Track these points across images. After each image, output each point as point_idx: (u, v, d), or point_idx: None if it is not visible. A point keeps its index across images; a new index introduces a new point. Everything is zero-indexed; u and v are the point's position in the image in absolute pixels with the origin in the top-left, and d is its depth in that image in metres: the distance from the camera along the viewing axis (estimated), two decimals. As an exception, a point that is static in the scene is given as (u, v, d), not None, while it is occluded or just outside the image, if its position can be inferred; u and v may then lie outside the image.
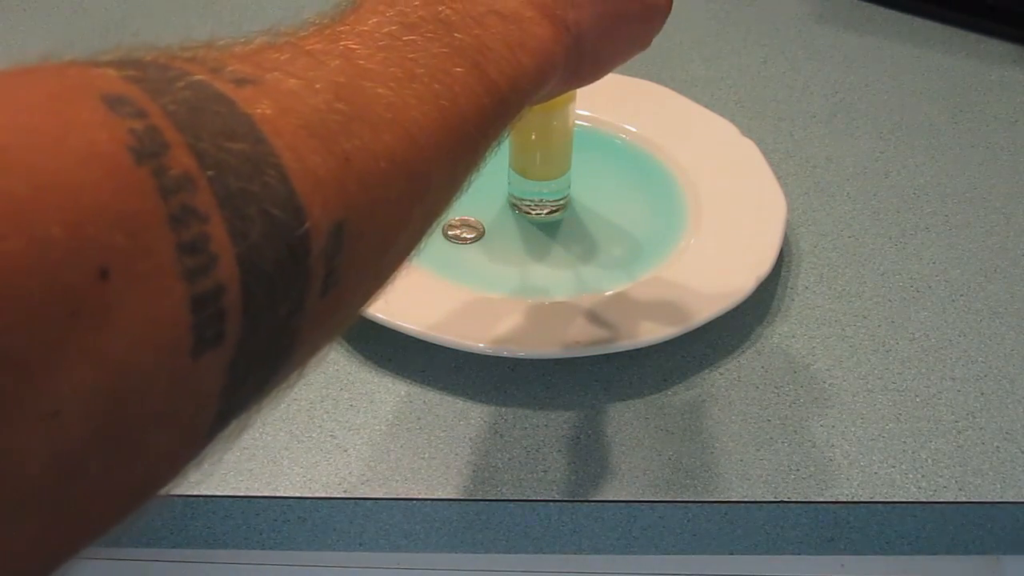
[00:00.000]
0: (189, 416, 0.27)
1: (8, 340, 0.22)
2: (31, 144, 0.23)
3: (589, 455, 0.58)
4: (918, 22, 0.90)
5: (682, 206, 0.70)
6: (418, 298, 0.63)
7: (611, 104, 0.76)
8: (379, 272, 0.35)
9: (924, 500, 0.57)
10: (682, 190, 0.71)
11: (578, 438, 0.59)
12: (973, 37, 0.88)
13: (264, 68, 0.30)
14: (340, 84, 0.32)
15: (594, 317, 0.63)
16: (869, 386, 0.62)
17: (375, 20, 0.36)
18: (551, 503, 0.56)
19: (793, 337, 0.64)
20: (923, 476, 0.58)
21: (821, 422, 0.60)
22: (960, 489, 0.57)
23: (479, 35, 0.38)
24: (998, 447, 0.59)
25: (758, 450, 0.58)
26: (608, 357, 0.63)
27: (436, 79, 0.35)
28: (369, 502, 0.56)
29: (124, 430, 0.25)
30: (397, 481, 0.57)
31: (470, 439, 0.59)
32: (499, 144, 0.41)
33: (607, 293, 0.64)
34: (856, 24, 0.89)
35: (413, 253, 0.37)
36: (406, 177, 0.33)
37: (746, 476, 0.57)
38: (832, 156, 0.77)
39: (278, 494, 0.56)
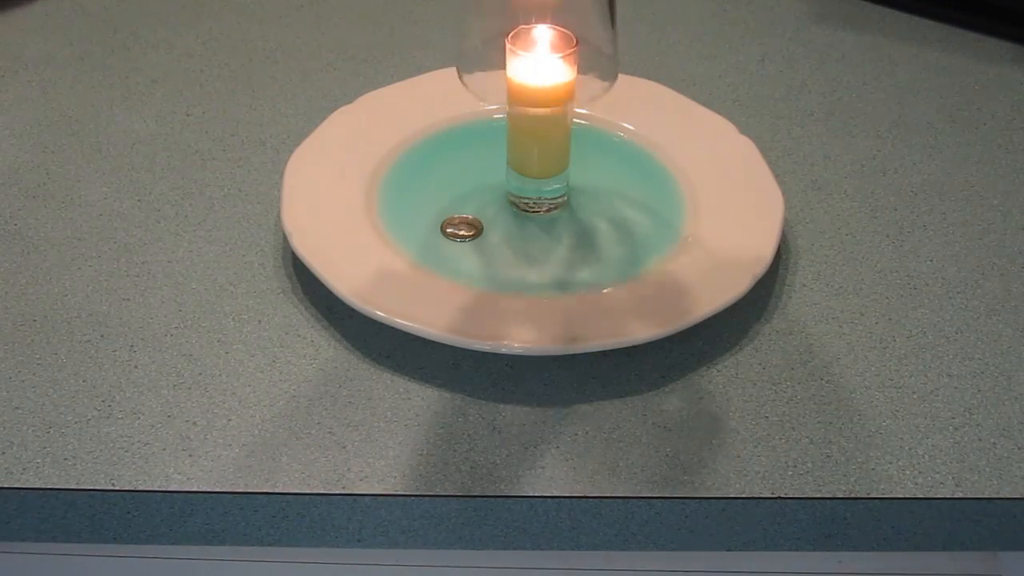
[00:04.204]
0: None
1: None
2: None
3: (587, 452, 0.58)
4: (916, 21, 0.90)
5: (680, 204, 0.70)
6: (416, 295, 0.63)
7: (609, 102, 0.76)
8: None
9: (921, 496, 0.57)
10: (680, 188, 0.71)
11: (576, 435, 0.59)
12: (971, 36, 0.88)
13: None
14: None
15: (591, 314, 0.63)
16: (866, 383, 0.62)
17: None
18: (549, 499, 0.57)
19: (790, 334, 0.65)
20: (920, 472, 0.58)
21: (818, 419, 0.60)
22: (957, 485, 0.57)
23: None
24: (995, 443, 0.59)
25: (755, 447, 0.59)
26: (606, 354, 0.63)
27: None
28: (367, 498, 0.56)
29: None
30: (395, 478, 0.57)
31: (468, 436, 0.59)
32: None
33: (605, 290, 0.64)
34: (854, 22, 0.90)
35: None
36: None
37: (743, 472, 0.57)
38: (830, 154, 0.77)
39: (277, 490, 0.56)
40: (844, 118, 0.80)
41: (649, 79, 0.79)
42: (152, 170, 0.74)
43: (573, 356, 0.62)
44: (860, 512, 0.57)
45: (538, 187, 0.69)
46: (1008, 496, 0.57)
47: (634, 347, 0.62)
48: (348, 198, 0.69)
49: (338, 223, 0.67)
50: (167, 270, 0.67)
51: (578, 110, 0.72)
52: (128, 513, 0.57)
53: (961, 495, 0.57)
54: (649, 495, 0.56)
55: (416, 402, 0.60)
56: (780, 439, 0.59)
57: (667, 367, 0.63)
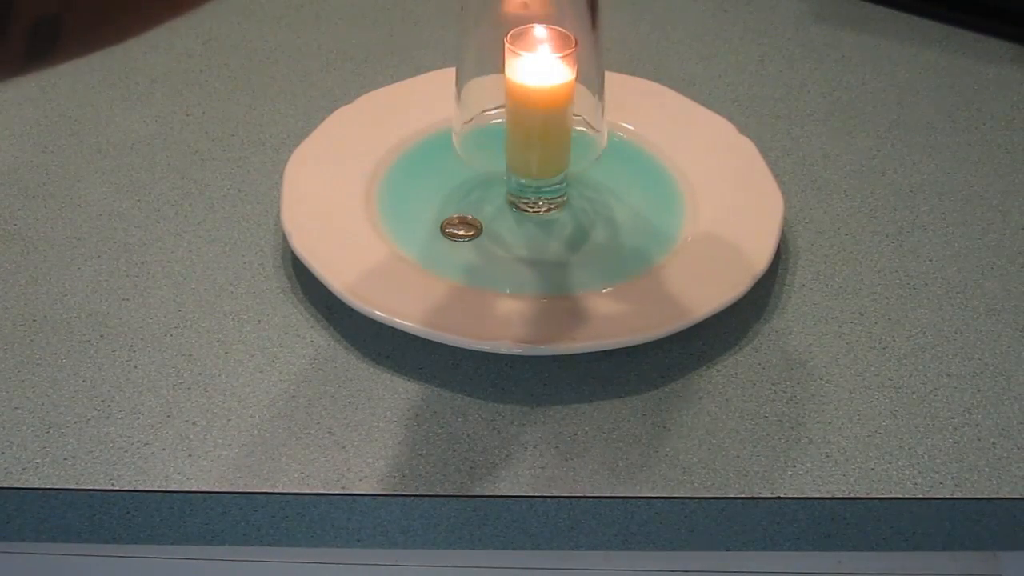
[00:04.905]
0: None
1: None
2: None
3: (586, 452, 0.58)
4: (916, 20, 0.90)
5: (679, 204, 0.70)
6: (416, 295, 0.63)
7: (608, 102, 0.76)
8: None
9: (921, 496, 0.57)
10: (679, 188, 0.71)
11: (575, 435, 0.59)
12: (971, 36, 0.88)
13: None
14: None
15: (591, 314, 0.63)
16: (866, 383, 0.62)
17: None
18: (548, 499, 0.57)
19: (790, 334, 0.65)
20: (920, 472, 0.58)
21: (818, 419, 0.60)
22: (956, 485, 0.57)
23: None
24: (994, 443, 0.59)
25: (755, 446, 0.59)
26: (605, 354, 0.63)
27: None
28: (367, 499, 0.56)
29: None
30: (395, 478, 0.57)
31: (468, 436, 0.59)
32: None
33: (604, 290, 0.64)
34: (854, 22, 0.90)
35: None
36: None
37: (743, 472, 0.57)
38: (829, 154, 0.77)
39: (276, 490, 0.56)
40: (844, 118, 0.80)
41: (649, 79, 0.79)
42: (152, 170, 0.74)
43: (573, 356, 0.62)
44: (860, 512, 0.57)
45: (538, 187, 0.69)
46: (1008, 496, 0.57)
47: (634, 347, 0.62)
48: (348, 198, 0.69)
49: (338, 223, 0.67)
50: (167, 270, 0.67)
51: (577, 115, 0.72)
52: (128, 513, 0.57)
53: (961, 495, 0.57)
54: (649, 495, 0.57)
55: (416, 402, 0.60)
56: (779, 439, 0.59)
57: (666, 367, 0.63)
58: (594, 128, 0.68)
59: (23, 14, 0.35)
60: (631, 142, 0.74)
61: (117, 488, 0.56)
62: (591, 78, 0.67)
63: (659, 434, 0.59)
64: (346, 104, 0.76)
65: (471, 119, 0.69)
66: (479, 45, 0.66)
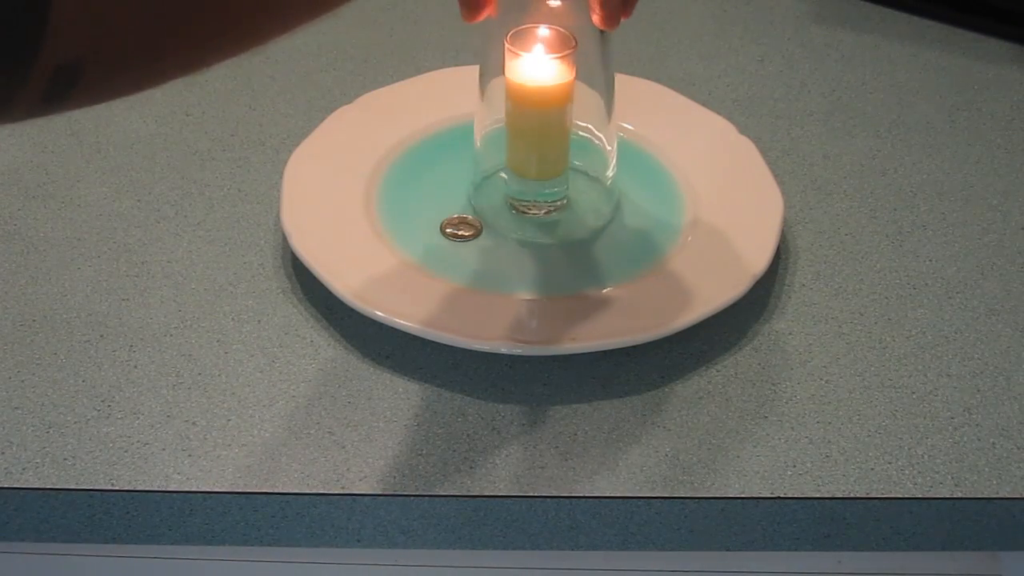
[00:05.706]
0: None
1: None
2: None
3: (586, 452, 0.58)
4: (915, 21, 0.90)
5: (679, 204, 0.70)
6: (416, 295, 0.63)
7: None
8: None
9: (920, 496, 0.57)
10: (679, 188, 0.71)
11: (575, 435, 0.59)
12: (971, 36, 0.88)
13: None
14: None
15: (591, 314, 0.63)
16: (866, 383, 0.62)
17: None
18: (548, 499, 0.57)
19: (790, 334, 0.65)
20: (919, 472, 0.58)
21: (818, 419, 0.60)
22: (956, 485, 0.57)
23: None
24: (994, 443, 0.59)
25: (755, 446, 0.59)
26: (605, 354, 0.63)
27: None
28: (367, 498, 0.56)
29: None
30: (395, 478, 0.57)
31: (467, 436, 0.59)
32: None
33: (604, 291, 0.64)
34: (854, 22, 0.90)
35: None
36: None
37: (743, 472, 0.57)
38: (829, 154, 0.77)
39: (276, 490, 0.56)
40: (844, 118, 0.80)
41: (649, 79, 0.79)
42: (152, 170, 0.74)
43: (573, 356, 0.62)
44: (859, 512, 0.57)
45: (538, 190, 0.69)
46: (1008, 496, 0.57)
47: (634, 347, 0.62)
48: (348, 198, 0.69)
49: (338, 223, 0.67)
50: (167, 270, 0.67)
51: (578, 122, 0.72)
52: (128, 513, 0.57)
53: (960, 495, 0.57)
54: (649, 495, 0.57)
55: (416, 402, 0.60)
56: (779, 439, 0.59)
57: (666, 367, 0.63)
58: (601, 140, 0.69)
59: (46, 58, 0.35)
60: (631, 142, 0.74)
61: (117, 488, 0.56)
62: (598, 83, 0.67)
63: (659, 434, 0.59)
64: (346, 104, 0.76)
65: (494, 120, 0.68)
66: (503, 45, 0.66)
